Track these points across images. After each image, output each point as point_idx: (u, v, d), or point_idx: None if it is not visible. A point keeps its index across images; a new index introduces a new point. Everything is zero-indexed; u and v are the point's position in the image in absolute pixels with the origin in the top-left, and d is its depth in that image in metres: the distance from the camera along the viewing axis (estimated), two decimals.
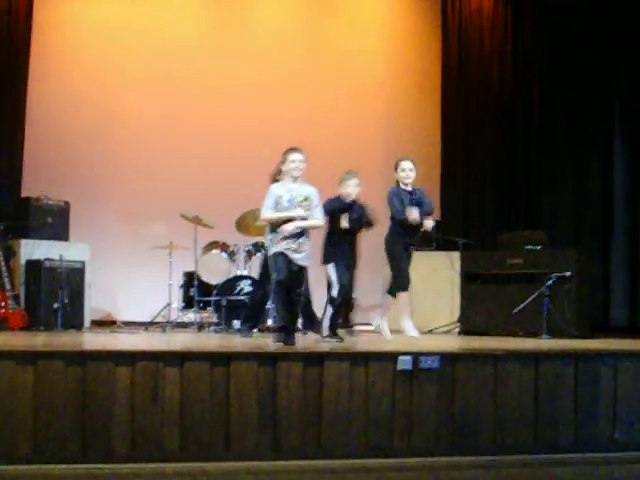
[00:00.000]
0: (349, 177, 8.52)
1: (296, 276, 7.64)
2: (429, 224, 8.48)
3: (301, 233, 7.60)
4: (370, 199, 12.70)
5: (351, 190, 8.46)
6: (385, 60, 13.10)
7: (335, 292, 8.25)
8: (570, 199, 11.52)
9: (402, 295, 8.53)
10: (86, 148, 11.75)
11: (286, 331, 7.32)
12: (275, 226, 7.60)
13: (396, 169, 8.57)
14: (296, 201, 7.61)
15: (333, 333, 8.20)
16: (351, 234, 8.50)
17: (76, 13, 11.93)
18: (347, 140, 12.63)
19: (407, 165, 8.54)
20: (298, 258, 7.59)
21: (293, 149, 7.73)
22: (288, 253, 7.52)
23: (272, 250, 7.61)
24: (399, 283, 8.49)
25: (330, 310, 8.31)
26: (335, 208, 8.37)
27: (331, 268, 8.33)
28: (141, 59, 12.08)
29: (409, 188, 8.52)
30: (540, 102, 12.10)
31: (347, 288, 8.35)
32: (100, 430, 5.93)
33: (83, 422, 5.92)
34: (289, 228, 7.51)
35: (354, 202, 8.49)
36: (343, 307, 8.69)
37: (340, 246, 8.39)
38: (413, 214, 8.29)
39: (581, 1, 11.61)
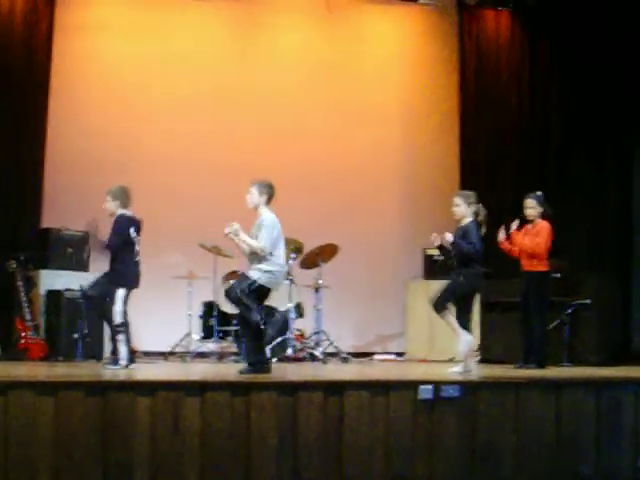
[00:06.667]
0: None
1: None
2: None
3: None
4: (387, 222, 12.82)
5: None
6: (403, 86, 13.09)
7: None
8: (589, 225, 11.47)
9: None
10: (105, 178, 11.73)
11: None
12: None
13: None
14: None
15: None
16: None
17: (97, 41, 11.93)
18: (363, 164, 12.66)
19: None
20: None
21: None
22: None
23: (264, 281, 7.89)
24: None
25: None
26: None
27: None
28: (161, 87, 12.07)
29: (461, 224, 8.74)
30: (559, 126, 12.08)
31: None
32: (121, 461, 5.93)
33: (103, 453, 5.92)
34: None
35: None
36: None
37: None
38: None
39: (598, 24, 11.62)
